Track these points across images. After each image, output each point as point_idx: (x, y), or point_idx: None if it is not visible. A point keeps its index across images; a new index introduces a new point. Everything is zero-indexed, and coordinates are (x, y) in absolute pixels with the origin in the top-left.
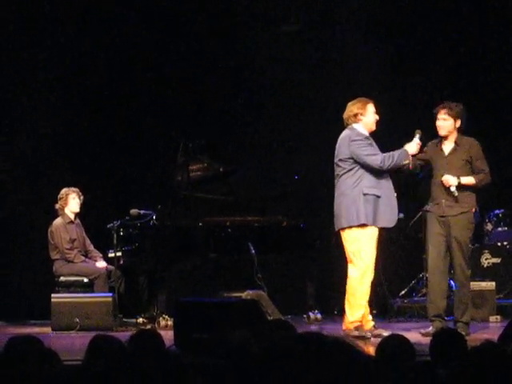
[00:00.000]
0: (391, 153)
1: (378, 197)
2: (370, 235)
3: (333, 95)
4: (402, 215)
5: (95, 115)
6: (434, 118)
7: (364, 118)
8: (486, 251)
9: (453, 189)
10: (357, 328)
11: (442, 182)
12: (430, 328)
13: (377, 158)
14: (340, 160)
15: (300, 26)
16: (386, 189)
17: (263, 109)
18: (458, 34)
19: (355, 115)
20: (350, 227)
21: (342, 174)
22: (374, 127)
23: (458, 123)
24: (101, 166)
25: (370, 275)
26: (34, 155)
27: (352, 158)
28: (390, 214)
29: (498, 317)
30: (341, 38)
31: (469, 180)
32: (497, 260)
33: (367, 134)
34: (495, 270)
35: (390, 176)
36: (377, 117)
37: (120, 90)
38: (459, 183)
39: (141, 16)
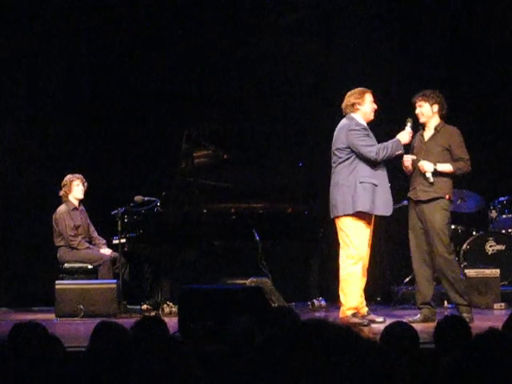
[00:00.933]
0: (385, 144)
1: (376, 185)
2: (366, 223)
3: (338, 83)
4: (406, 202)
5: (100, 102)
6: (413, 108)
7: (362, 107)
8: (491, 238)
9: (428, 175)
10: (354, 315)
11: (418, 165)
12: (418, 316)
13: (372, 149)
14: (337, 149)
15: (300, 15)
16: (382, 178)
17: (267, 96)
18: (461, 27)
19: (353, 105)
20: (346, 215)
21: (339, 163)
22: (371, 117)
23: (436, 108)
24: (105, 152)
25: (362, 261)
26: (39, 141)
27: (349, 148)
28: (386, 203)
29: (503, 304)
30: (344, 28)
31: (446, 167)
32: (501, 247)
33: (365, 123)
34: (500, 257)
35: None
36: (375, 106)
37: (125, 78)
38: (435, 170)
39: (144, 4)
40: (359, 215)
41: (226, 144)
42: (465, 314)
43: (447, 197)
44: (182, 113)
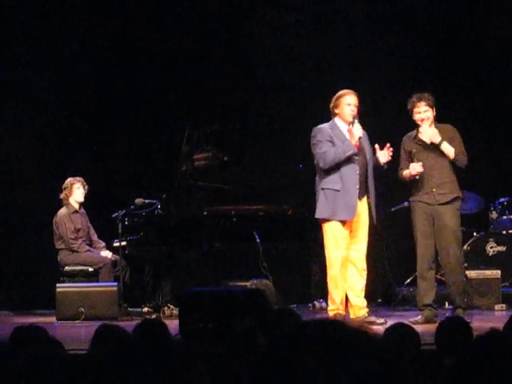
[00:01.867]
0: (332, 149)
1: (337, 191)
2: (333, 228)
3: (337, 84)
4: (407, 203)
5: (100, 104)
6: (408, 111)
7: (338, 110)
8: (491, 239)
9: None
10: (335, 316)
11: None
12: (419, 317)
13: (318, 156)
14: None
15: (302, 14)
16: (347, 182)
17: (268, 98)
18: (459, 29)
19: (332, 109)
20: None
21: (316, 169)
22: (350, 118)
23: (434, 111)
24: (106, 155)
25: (334, 267)
26: (40, 144)
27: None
28: (347, 208)
29: (504, 305)
30: (344, 28)
31: (449, 149)
32: (502, 248)
33: (345, 126)
34: (500, 258)
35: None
36: (352, 108)
37: (125, 79)
38: (440, 142)
39: (144, 5)
40: (324, 221)
41: (227, 146)
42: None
43: (460, 195)
44: (182, 115)
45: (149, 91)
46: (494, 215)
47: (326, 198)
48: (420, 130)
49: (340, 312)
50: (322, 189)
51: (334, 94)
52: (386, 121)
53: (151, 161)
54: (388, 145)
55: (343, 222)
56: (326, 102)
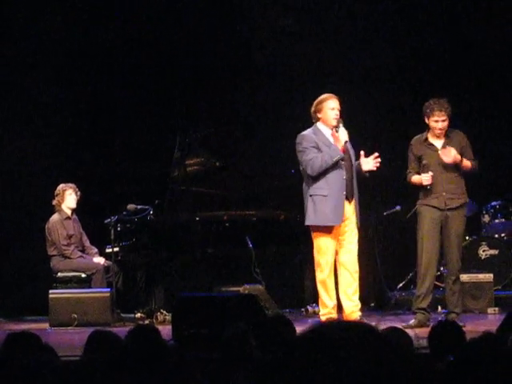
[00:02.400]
0: (318, 155)
1: (325, 196)
2: (321, 234)
3: (332, 89)
4: (399, 207)
5: (91, 110)
6: (424, 115)
7: (321, 115)
8: (484, 243)
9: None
10: (327, 319)
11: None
12: (412, 321)
13: (305, 163)
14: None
15: (297, 19)
16: (334, 187)
17: (261, 103)
18: (458, 31)
19: (314, 113)
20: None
21: (302, 175)
22: (334, 122)
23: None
24: (97, 161)
25: (326, 272)
26: (31, 151)
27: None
28: (334, 213)
29: (496, 308)
30: (339, 31)
31: (467, 162)
32: (494, 252)
33: (327, 131)
34: (493, 261)
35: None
36: (336, 112)
37: (116, 85)
38: (461, 160)
39: (141, 6)
40: (315, 227)
41: (219, 151)
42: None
43: (467, 200)
44: (174, 120)
45: (141, 97)
46: (487, 219)
47: (314, 204)
48: (440, 153)
49: (332, 316)
50: (310, 195)
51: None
52: (380, 124)
53: (143, 166)
54: (376, 154)
55: (331, 227)
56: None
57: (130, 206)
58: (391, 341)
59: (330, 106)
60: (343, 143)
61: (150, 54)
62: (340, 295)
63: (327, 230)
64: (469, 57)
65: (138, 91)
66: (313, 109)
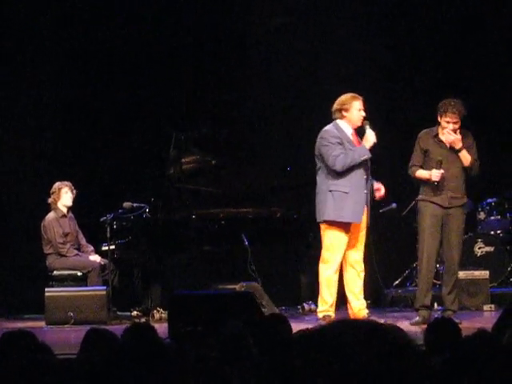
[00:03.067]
0: (346, 152)
1: (346, 193)
2: (336, 230)
3: (327, 87)
4: (394, 205)
5: (87, 109)
6: (438, 112)
7: (347, 114)
8: (479, 240)
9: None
10: (324, 318)
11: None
12: (417, 318)
13: (331, 159)
14: (315, 156)
15: (291, 19)
16: (355, 185)
17: (256, 101)
18: (455, 30)
19: (340, 110)
20: (320, 222)
21: (317, 170)
22: (359, 123)
23: None
24: (93, 159)
25: (334, 269)
26: (26, 149)
27: (321, 155)
28: (355, 210)
29: (492, 305)
30: (336, 30)
31: (467, 156)
32: (490, 249)
33: (349, 130)
34: (488, 258)
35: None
36: (362, 114)
37: (112, 84)
38: (461, 148)
39: (134, 7)
40: (330, 222)
41: (214, 149)
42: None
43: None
44: (170, 118)
45: (137, 95)
46: (482, 216)
47: (334, 199)
48: (444, 131)
49: (330, 314)
50: (330, 191)
51: (327, 97)
52: (377, 122)
53: (139, 164)
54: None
55: (349, 225)
56: (316, 105)
57: (126, 204)
58: (399, 339)
59: (357, 107)
60: (371, 143)
61: (146, 53)
62: (347, 294)
63: (344, 226)
64: (469, 56)
65: (134, 89)
66: (337, 107)
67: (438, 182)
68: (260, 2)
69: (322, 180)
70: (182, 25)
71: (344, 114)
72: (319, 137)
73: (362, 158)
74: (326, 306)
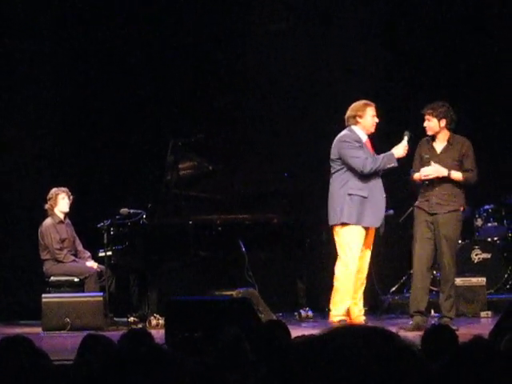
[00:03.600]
0: (376, 157)
1: (365, 197)
2: (354, 234)
3: (325, 94)
4: (391, 211)
5: (85, 115)
6: (422, 120)
7: (362, 120)
8: (477, 247)
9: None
10: (340, 321)
11: (430, 166)
12: (410, 323)
13: (359, 161)
14: (331, 160)
15: (289, 24)
16: (374, 189)
17: (253, 107)
18: (457, 34)
19: (354, 117)
20: (336, 225)
21: (333, 174)
22: (372, 129)
23: (443, 122)
24: (90, 165)
25: (352, 272)
26: (24, 156)
27: (340, 159)
28: (375, 214)
29: (489, 312)
30: (336, 35)
31: (457, 175)
32: (487, 255)
33: (364, 136)
34: (485, 265)
35: (383, 176)
36: (376, 120)
37: (110, 90)
38: (449, 175)
39: (133, 12)
40: (348, 226)
41: (212, 155)
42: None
43: (462, 208)
44: (167, 124)
45: (134, 100)
46: (479, 222)
47: (353, 203)
48: (423, 169)
49: (345, 319)
50: (350, 194)
51: (326, 103)
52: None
53: (136, 170)
54: None
55: (366, 230)
56: (312, 110)
57: (123, 210)
58: (400, 345)
59: (371, 113)
60: (400, 155)
61: (145, 57)
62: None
63: (362, 231)
64: (466, 61)
65: (132, 96)
66: (352, 113)
67: (428, 182)
68: (260, 4)
69: (338, 183)
70: (182, 28)
71: (359, 120)
72: (340, 141)
73: (389, 166)
74: (339, 311)
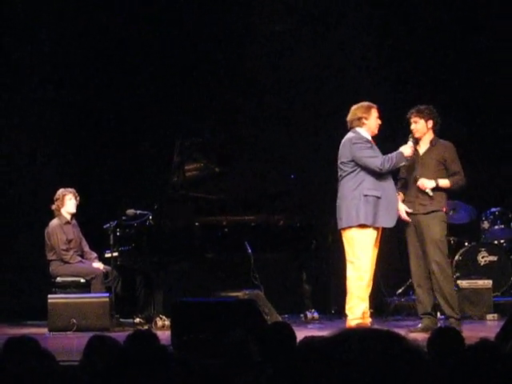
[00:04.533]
0: (390, 155)
1: (379, 198)
2: (369, 235)
3: (330, 96)
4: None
5: (91, 115)
6: (408, 124)
7: (367, 122)
8: (483, 249)
9: (429, 191)
10: (358, 325)
11: (417, 184)
12: (420, 325)
13: (377, 160)
14: (342, 162)
15: (293, 25)
16: (387, 190)
17: (260, 108)
18: (458, 34)
19: (359, 119)
20: (350, 227)
21: (344, 176)
22: (376, 131)
23: (430, 123)
24: (97, 166)
25: (367, 274)
26: (31, 156)
27: (353, 161)
28: (389, 215)
29: (495, 315)
30: (339, 36)
31: (445, 183)
32: (493, 258)
33: (369, 137)
34: (492, 268)
35: (393, 177)
36: (379, 121)
37: (116, 90)
38: (437, 185)
39: (136, 12)
40: (363, 227)
41: (218, 156)
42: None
43: (444, 209)
44: (173, 125)
45: (140, 101)
46: (486, 225)
47: (368, 204)
48: (420, 182)
49: (362, 321)
50: (365, 195)
51: (331, 104)
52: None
53: (143, 171)
54: None
55: (379, 231)
56: (318, 112)
57: (130, 211)
58: (409, 347)
59: (376, 115)
60: (408, 154)
61: (150, 58)
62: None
63: (375, 232)
64: (466, 62)
65: (138, 97)
66: (358, 115)
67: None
68: (262, 6)
69: (351, 185)
70: (185, 28)
71: (364, 121)
72: (352, 143)
73: (401, 164)
74: (355, 314)
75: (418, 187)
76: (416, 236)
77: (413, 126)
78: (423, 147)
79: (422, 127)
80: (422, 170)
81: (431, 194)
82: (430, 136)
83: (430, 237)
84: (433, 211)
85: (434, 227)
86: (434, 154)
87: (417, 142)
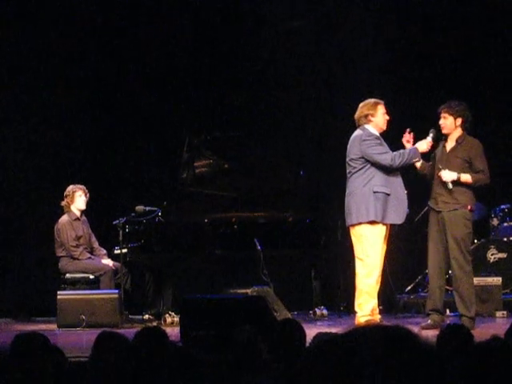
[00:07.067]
0: (402, 151)
1: (388, 194)
2: (378, 232)
3: (340, 92)
4: (407, 210)
5: (100, 111)
6: (438, 118)
7: (374, 118)
8: (492, 246)
9: (449, 185)
10: (367, 322)
11: (438, 174)
12: (429, 321)
13: (387, 156)
14: (351, 159)
15: (305, 22)
16: (396, 186)
17: (269, 105)
18: (465, 31)
19: (366, 116)
20: (359, 224)
21: (353, 173)
22: (384, 127)
23: (459, 121)
24: (106, 162)
25: (377, 271)
26: (40, 152)
27: (363, 158)
28: (398, 211)
29: (505, 312)
30: (349, 33)
31: (466, 177)
32: (503, 255)
33: (377, 134)
34: (501, 265)
35: (401, 174)
36: (387, 117)
37: (125, 87)
38: (458, 178)
39: (145, 11)
40: (373, 224)
41: (227, 153)
42: (466, 324)
43: (469, 207)
44: (182, 122)
45: (149, 98)
46: (495, 222)
47: (378, 200)
48: (441, 173)
49: (372, 318)
50: (375, 192)
51: (340, 101)
52: (390, 129)
53: (152, 168)
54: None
55: (388, 227)
56: (327, 109)
57: (139, 208)
58: (423, 345)
59: (383, 111)
60: (423, 150)
61: (158, 54)
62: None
63: (384, 229)
64: (483, 61)
65: (147, 92)
66: (365, 112)
67: (431, 177)
68: (272, 5)
69: (361, 181)
70: (195, 26)
71: (371, 118)
72: (362, 140)
73: (414, 160)
74: (365, 311)
75: (442, 183)
76: (438, 233)
77: (441, 121)
78: (450, 144)
79: (450, 124)
80: (446, 167)
81: (451, 186)
82: (457, 133)
83: (452, 234)
84: (456, 209)
85: (457, 225)
86: (460, 151)
87: (442, 137)
